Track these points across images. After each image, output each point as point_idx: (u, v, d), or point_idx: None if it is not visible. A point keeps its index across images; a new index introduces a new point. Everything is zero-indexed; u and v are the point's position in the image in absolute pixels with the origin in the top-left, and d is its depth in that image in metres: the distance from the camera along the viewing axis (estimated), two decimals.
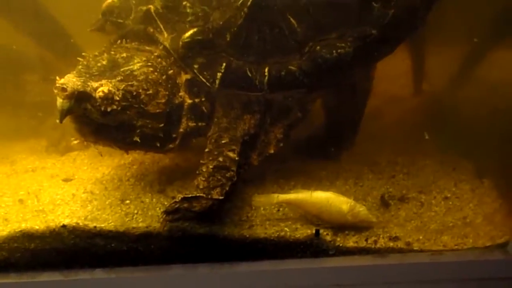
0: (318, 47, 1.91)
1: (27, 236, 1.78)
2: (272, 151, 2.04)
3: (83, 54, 1.89)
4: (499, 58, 2.23)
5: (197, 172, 1.90)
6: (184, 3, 1.89)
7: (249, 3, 1.82)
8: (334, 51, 1.90)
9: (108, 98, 1.71)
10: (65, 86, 1.62)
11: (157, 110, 1.85)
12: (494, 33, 2.32)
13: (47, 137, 2.52)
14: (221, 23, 1.85)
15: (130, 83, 1.79)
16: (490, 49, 2.35)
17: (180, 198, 1.79)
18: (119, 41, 1.98)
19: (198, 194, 1.79)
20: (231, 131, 1.93)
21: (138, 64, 1.85)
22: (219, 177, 1.84)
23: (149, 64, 1.87)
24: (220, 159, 1.88)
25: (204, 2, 1.89)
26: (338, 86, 2.11)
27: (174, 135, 1.94)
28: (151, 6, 1.91)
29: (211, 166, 1.87)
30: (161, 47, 1.92)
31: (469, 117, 2.34)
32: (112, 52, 1.89)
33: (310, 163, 2.25)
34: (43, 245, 1.79)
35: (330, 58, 1.90)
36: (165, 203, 1.93)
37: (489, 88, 2.23)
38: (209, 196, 1.80)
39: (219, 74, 1.86)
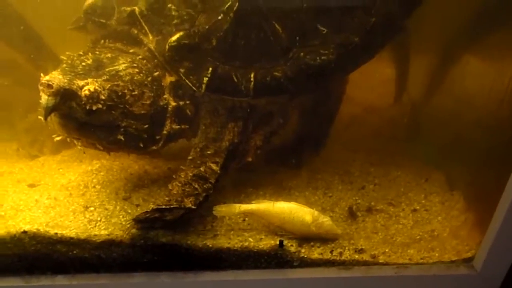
0: (302, 54, 1.92)
1: None
2: (250, 159, 2.04)
3: (67, 53, 1.87)
4: (472, 67, 2.22)
5: (174, 177, 1.90)
6: (169, 5, 1.88)
7: (235, 8, 1.82)
8: (317, 58, 1.92)
9: (93, 97, 1.70)
10: (51, 83, 1.61)
11: (142, 111, 1.84)
12: (462, 41, 2.32)
13: (18, 140, 2.50)
14: (207, 27, 1.84)
15: (116, 83, 1.77)
16: (458, 58, 2.35)
17: (151, 209, 1.79)
18: (102, 41, 1.96)
19: (171, 205, 1.78)
20: (217, 142, 1.93)
21: (124, 65, 1.84)
22: (196, 186, 1.85)
23: (135, 65, 1.86)
24: (202, 169, 1.88)
25: (190, 5, 1.88)
26: (319, 90, 2.12)
27: (157, 137, 1.93)
28: (136, 8, 1.89)
29: (190, 174, 1.87)
30: (145, 49, 1.91)
31: (443, 128, 2.32)
32: (97, 52, 1.88)
33: (281, 172, 2.24)
34: (4, 250, 1.77)
35: (313, 65, 1.91)
36: (129, 210, 1.92)
37: (462, 99, 2.22)
38: (182, 205, 1.80)
39: (205, 79, 1.85)
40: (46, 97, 1.61)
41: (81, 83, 1.68)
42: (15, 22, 2.41)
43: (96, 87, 1.70)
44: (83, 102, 1.68)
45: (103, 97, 1.72)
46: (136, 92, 1.82)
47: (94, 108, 1.70)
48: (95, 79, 1.73)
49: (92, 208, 1.93)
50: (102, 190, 2.05)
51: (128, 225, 1.82)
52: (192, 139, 2.03)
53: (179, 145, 2.12)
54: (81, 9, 2.07)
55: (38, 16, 2.48)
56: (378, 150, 2.46)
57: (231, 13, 1.83)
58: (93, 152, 2.16)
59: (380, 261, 1.83)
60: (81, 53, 1.86)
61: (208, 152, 1.91)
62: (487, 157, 1.96)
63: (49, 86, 1.60)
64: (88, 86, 1.69)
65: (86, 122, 1.74)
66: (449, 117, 2.29)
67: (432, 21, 2.29)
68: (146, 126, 1.86)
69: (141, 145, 1.90)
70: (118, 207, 1.94)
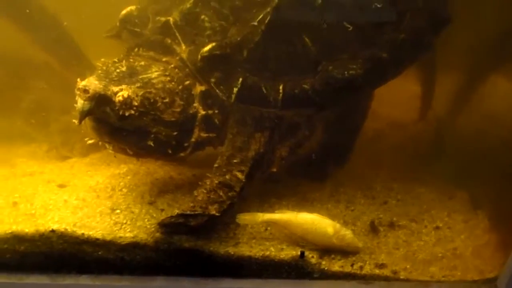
0: (330, 67, 1.95)
1: (17, 238, 1.82)
2: (275, 170, 2.07)
3: (102, 59, 1.93)
4: (498, 87, 2.22)
5: (199, 183, 1.93)
6: (202, 17, 1.94)
7: (266, 21, 1.88)
8: (345, 72, 1.95)
9: (127, 103, 1.75)
10: (87, 88, 1.67)
11: (172, 118, 1.89)
12: (490, 61, 2.32)
13: (50, 142, 2.58)
14: (238, 39, 1.89)
15: (148, 90, 1.83)
16: (486, 77, 2.35)
17: (176, 214, 1.83)
18: (136, 50, 2.02)
19: (196, 211, 1.82)
20: (243, 151, 1.96)
21: (156, 73, 1.89)
22: (220, 194, 1.88)
23: (167, 73, 1.91)
24: (227, 176, 1.91)
25: (222, 17, 1.94)
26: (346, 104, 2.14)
27: (186, 144, 1.98)
28: (170, 18, 1.95)
29: (216, 181, 1.91)
30: (177, 58, 1.95)
31: (469, 146, 2.31)
32: (131, 60, 1.93)
33: (304, 184, 2.25)
34: (32, 248, 1.82)
35: (341, 79, 1.95)
36: (154, 214, 1.95)
37: (488, 118, 2.21)
38: (206, 211, 1.83)
39: (235, 89, 1.89)
40: (82, 101, 1.67)
41: (115, 89, 1.74)
42: (51, 27, 2.51)
43: (130, 94, 1.75)
44: (116, 108, 1.74)
45: (135, 103, 1.77)
46: (167, 100, 1.86)
47: (126, 113, 1.76)
48: (129, 86, 1.78)
49: (118, 211, 1.97)
50: (128, 193, 2.08)
51: (153, 229, 1.86)
52: (218, 148, 2.07)
53: (204, 153, 2.15)
54: (116, 17, 2.15)
55: (73, 22, 2.58)
56: (402, 166, 2.46)
57: (262, 26, 1.88)
58: (121, 157, 2.22)
59: (401, 277, 1.82)
60: (115, 60, 1.92)
61: (234, 161, 1.94)
62: None
63: (85, 91, 1.67)
64: (122, 92, 1.74)
65: (119, 127, 1.80)
66: (474, 136, 2.29)
67: (459, 39, 2.30)
68: (176, 133, 1.91)
69: (170, 152, 1.94)
70: (143, 211, 1.97)
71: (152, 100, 1.82)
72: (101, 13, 2.38)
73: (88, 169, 2.35)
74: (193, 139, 1.97)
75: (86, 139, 1.93)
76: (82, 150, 2.50)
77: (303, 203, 2.12)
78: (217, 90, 1.88)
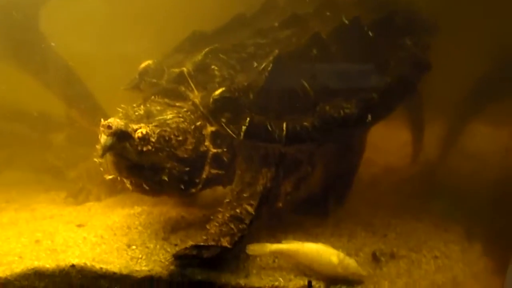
0: (327, 107, 2.19)
1: (38, 274, 1.90)
2: (280, 204, 2.22)
3: (122, 105, 2.12)
4: (479, 130, 2.44)
5: (211, 218, 2.07)
6: (212, 67, 2.19)
7: (269, 68, 2.12)
8: (341, 111, 2.18)
9: (145, 139, 1.91)
10: (110, 125, 1.85)
11: (185, 155, 2.05)
12: (471, 107, 2.56)
13: (67, 189, 2.72)
14: (245, 84, 2.12)
15: (164, 128, 2.01)
16: (468, 122, 2.58)
17: (190, 245, 1.94)
18: (152, 97, 2.22)
19: (208, 243, 1.94)
20: (252, 186, 2.11)
21: (171, 115, 2.08)
22: (232, 226, 2.00)
23: (180, 115, 2.10)
24: (238, 210, 2.05)
25: (230, 67, 2.20)
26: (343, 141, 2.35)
27: (197, 180, 2.12)
28: (184, 69, 2.19)
29: (227, 215, 2.04)
30: (190, 103, 2.15)
31: (460, 186, 2.48)
32: (148, 105, 2.14)
33: (307, 220, 2.37)
34: (52, 285, 1.90)
35: (337, 117, 2.17)
36: (168, 249, 2.06)
37: (473, 158, 2.40)
38: (219, 243, 1.95)
39: (243, 127, 2.06)
40: (105, 137, 1.84)
41: (135, 126, 1.92)
42: (75, 83, 2.73)
43: (148, 131, 1.93)
44: (135, 143, 1.90)
45: (152, 140, 1.94)
46: (180, 138, 2.04)
47: (144, 149, 1.92)
48: (147, 125, 1.96)
49: (134, 247, 2.08)
50: (143, 231, 2.21)
51: (167, 262, 1.96)
52: (228, 187, 2.22)
53: (212, 195, 2.31)
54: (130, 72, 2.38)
55: (92, 77, 2.81)
56: (398, 205, 2.61)
57: (266, 73, 2.12)
58: (135, 199, 2.37)
59: None
60: (134, 105, 2.13)
61: (244, 195, 2.09)
62: (501, 207, 2.10)
63: (108, 127, 1.84)
64: (141, 130, 1.92)
65: (136, 163, 1.95)
66: (463, 174, 2.47)
67: (441, 87, 2.55)
68: (188, 169, 2.06)
69: (182, 187, 2.08)
70: (158, 246, 2.08)
71: (167, 138, 2.00)
72: (116, 71, 2.63)
73: (104, 211, 2.48)
74: (203, 176, 2.12)
75: (105, 175, 2.07)
76: (97, 196, 2.63)
77: (307, 237, 2.21)
78: (227, 129, 2.06)
